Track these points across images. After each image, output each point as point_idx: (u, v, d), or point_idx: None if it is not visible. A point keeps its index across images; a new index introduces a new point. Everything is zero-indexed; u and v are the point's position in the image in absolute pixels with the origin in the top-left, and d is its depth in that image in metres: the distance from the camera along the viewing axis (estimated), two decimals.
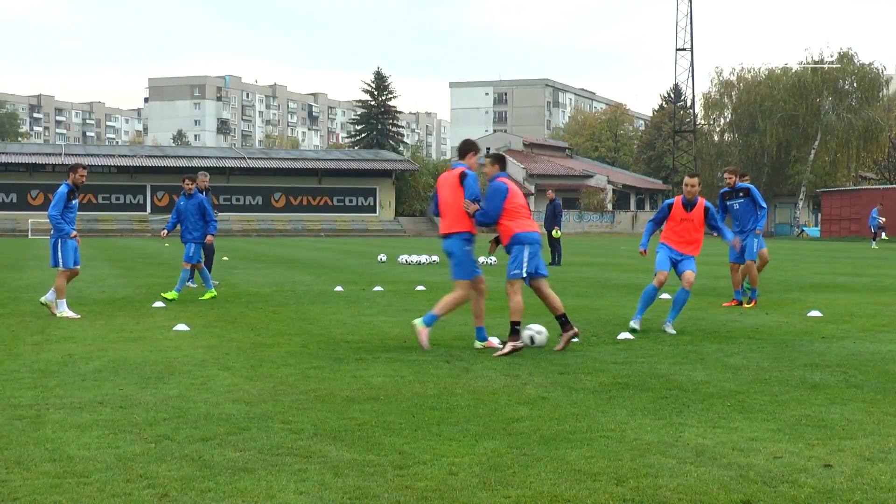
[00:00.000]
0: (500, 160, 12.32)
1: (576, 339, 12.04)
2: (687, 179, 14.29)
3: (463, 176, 11.92)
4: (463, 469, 6.39)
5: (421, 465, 6.48)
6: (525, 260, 11.80)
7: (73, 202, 15.78)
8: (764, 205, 17.45)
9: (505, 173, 12.29)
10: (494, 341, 12.08)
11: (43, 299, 15.64)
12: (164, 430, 7.47)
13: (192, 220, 18.67)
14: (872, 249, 49.32)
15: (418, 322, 11.96)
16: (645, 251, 14.38)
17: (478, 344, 12.08)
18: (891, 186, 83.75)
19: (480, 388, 9.27)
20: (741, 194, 17.31)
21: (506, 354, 11.28)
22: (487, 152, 12.24)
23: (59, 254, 15.58)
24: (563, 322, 11.89)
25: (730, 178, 17.72)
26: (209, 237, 18.88)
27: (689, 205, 13.96)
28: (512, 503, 5.69)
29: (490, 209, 11.90)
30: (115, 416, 7.98)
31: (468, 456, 6.72)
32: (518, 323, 11.64)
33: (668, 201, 14.27)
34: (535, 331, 12.16)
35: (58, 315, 15.26)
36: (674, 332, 13.52)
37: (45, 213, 17.92)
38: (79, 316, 15.19)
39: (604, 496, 5.82)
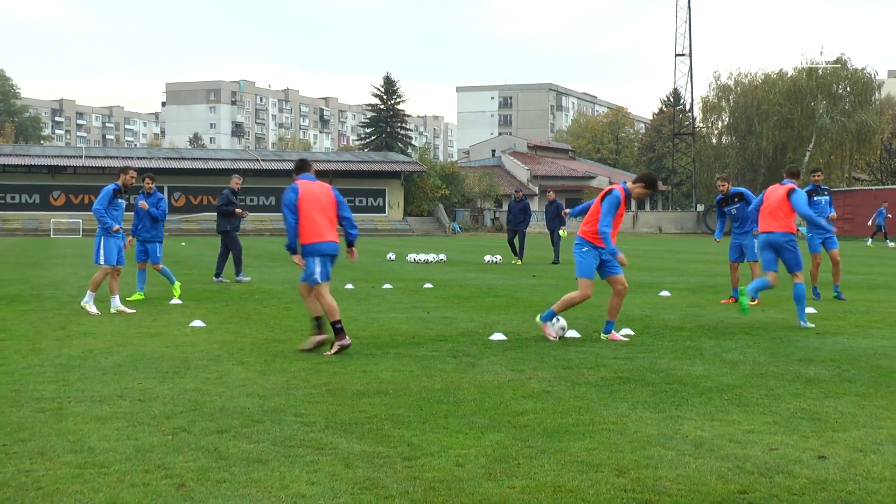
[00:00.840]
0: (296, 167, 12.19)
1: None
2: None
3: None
4: (469, 460, 6.41)
5: (429, 457, 6.49)
6: (317, 269, 11.49)
7: (120, 201, 15.90)
8: None
9: (308, 175, 12.00)
10: (618, 336, 12.52)
11: (113, 309, 15.55)
12: (180, 423, 7.50)
13: (148, 219, 18.31)
14: (868, 247, 48.44)
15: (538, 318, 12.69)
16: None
17: (602, 336, 12.52)
18: (884, 187, 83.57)
19: (486, 383, 9.29)
20: (736, 199, 17.47)
21: (337, 353, 11.05)
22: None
23: (102, 251, 15.66)
24: (338, 330, 11.36)
25: (722, 186, 17.94)
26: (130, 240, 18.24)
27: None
28: (517, 493, 5.70)
29: (285, 220, 11.72)
30: (133, 409, 8.02)
31: (474, 448, 6.73)
32: (339, 321, 11.32)
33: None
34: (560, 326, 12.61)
35: (81, 304, 15.35)
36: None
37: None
38: (100, 313, 15.21)
39: (605, 487, 5.83)
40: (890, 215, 56.69)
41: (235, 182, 23.06)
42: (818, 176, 19.31)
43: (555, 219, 31.83)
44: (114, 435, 7.10)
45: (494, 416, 7.76)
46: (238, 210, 22.50)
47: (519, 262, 31.39)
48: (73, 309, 15.81)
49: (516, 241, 32.07)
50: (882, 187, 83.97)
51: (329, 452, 6.61)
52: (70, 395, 8.61)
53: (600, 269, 12.53)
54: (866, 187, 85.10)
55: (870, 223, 56.22)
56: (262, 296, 18.88)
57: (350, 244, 12.23)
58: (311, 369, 10.01)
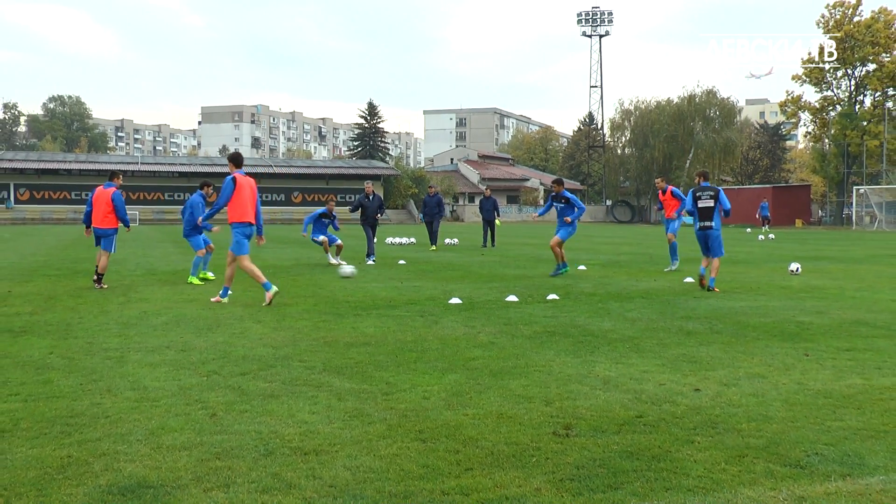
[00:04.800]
0: None
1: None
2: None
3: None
4: (433, 395, 6.42)
5: (402, 392, 6.50)
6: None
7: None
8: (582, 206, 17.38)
9: (109, 183, 14.66)
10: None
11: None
12: (213, 367, 7.47)
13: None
14: (767, 238, 41.59)
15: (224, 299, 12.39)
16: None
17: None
18: (743, 187, 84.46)
19: (446, 336, 9.30)
20: (563, 200, 17.24)
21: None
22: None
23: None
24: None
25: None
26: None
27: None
28: (469, 419, 5.73)
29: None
30: (177, 357, 7.97)
31: (437, 385, 6.75)
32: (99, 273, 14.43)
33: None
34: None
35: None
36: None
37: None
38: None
39: (536, 414, 5.87)
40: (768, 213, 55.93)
41: (368, 188, 21.48)
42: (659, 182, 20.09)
43: (490, 210, 29.60)
44: (162, 377, 7.07)
45: (452, 361, 7.78)
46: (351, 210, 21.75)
47: (433, 248, 27.77)
48: (132, 280, 15.66)
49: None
50: (742, 187, 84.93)
51: (326, 389, 6.60)
52: (130, 347, 8.56)
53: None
54: (729, 187, 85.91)
55: (757, 216, 54.15)
56: (274, 270, 18.77)
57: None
58: (312, 326, 9.98)
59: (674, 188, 19.45)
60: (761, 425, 5.60)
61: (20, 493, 4.32)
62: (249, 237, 12.24)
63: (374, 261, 21.27)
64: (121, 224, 14.91)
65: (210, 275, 16.03)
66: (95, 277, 14.67)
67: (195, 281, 15.47)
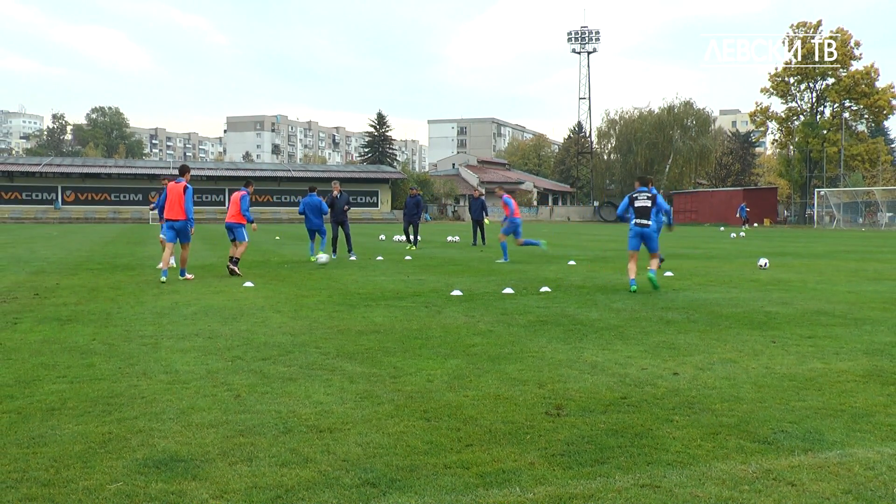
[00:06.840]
0: None
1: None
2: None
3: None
4: (436, 378, 6.43)
5: (408, 376, 6.50)
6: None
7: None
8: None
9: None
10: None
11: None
12: (237, 353, 7.47)
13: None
14: (739, 236, 41.45)
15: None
16: None
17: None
18: (717, 189, 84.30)
19: (448, 324, 9.30)
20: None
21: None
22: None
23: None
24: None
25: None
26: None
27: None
28: (469, 400, 5.73)
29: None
30: (205, 344, 7.98)
31: (440, 369, 6.75)
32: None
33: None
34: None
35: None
36: None
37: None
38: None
39: (530, 395, 5.87)
40: (748, 209, 55.78)
41: (335, 187, 20.67)
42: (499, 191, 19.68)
43: (479, 210, 28.03)
44: (192, 361, 7.08)
45: (454, 348, 7.78)
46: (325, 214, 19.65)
47: (414, 248, 25.90)
48: None
49: (410, 229, 26.54)
50: (716, 189, 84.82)
51: (339, 373, 6.61)
52: (163, 334, 8.56)
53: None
54: (705, 189, 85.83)
55: (737, 216, 53.52)
56: (292, 265, 18.79)
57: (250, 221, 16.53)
58: (326, 316, 9.99)
59: (505, 197, 19.37)
60: (733, 405, 5.60)
61: (68, 465, 4.35)
62: (171, 228, 14.34)
63: (330, 257, 18.91)
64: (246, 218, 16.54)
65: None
66: (232, 264, 15.96)
67: (313, 259, 18.35)
